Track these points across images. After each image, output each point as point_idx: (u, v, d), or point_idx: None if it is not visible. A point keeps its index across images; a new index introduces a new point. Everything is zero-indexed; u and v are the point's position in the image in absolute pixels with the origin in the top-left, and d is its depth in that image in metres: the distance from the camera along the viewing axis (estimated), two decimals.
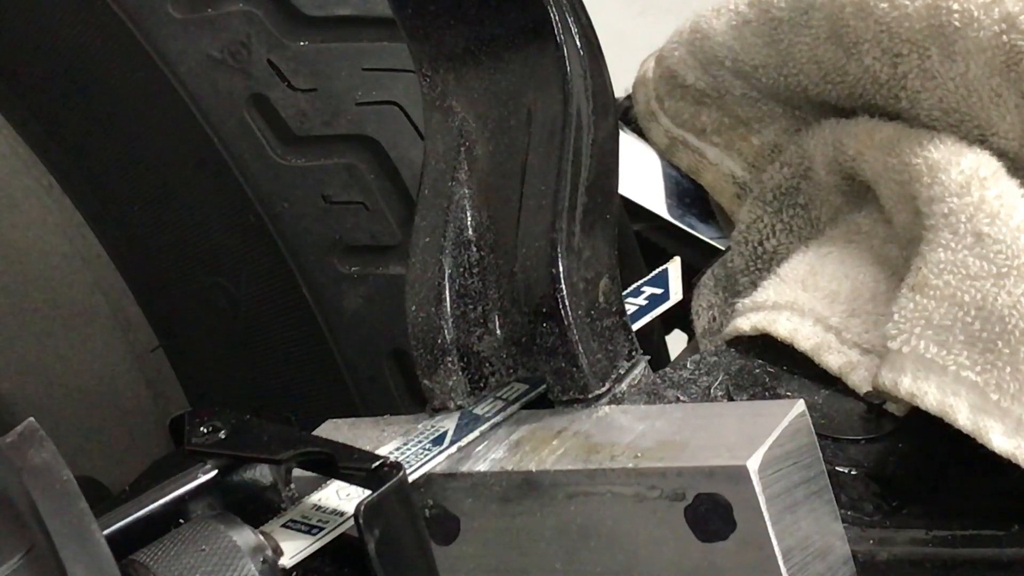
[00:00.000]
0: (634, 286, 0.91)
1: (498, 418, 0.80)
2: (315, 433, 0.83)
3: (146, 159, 1.08)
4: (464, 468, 0.77)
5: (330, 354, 1.05)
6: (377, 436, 0.82)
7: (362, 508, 0.67)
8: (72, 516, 0.61)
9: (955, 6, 0.85)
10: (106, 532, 0.66)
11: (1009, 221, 0.79)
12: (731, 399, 0.82)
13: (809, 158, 0.97)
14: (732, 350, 0.87)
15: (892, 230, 0.90)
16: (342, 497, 0.74)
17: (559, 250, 0.77)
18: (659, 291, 0.90)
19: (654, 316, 0.89)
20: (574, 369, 0.77)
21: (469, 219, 0.83)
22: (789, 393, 0.84)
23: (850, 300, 0.87)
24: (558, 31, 0.78)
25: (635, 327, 0.83)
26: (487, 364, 0.82)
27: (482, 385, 0.82)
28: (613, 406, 0.78)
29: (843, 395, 0.83)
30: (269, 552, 0.69)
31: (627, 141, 1.08)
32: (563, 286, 0.77)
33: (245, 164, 1.04)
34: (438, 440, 0.78)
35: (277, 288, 1.06)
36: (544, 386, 0.80)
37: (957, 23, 0.85)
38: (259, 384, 1.10)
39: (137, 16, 1.04)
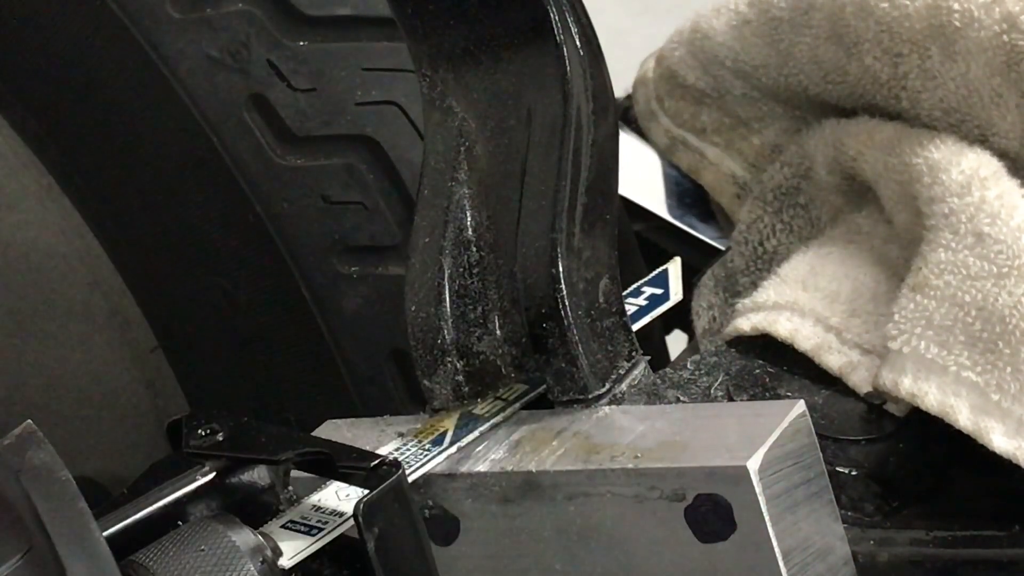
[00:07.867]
0: (634, 286, 0.90)
1: (498, 418, 0.80)
2: (314, 434, 0.83)
3: (145, 159, 1.07)
4: (464, 468, 0.76)
5: (330, 354, 1.05)
6: (377, 436, 0.82)
7: (361, 506, 0.67)
8: (72, 516, 0.61)
9: (955, 6, 0.85)
10: (105, 533, 0.66)
11: (1010, 221, 0.79)
12: (731, 399, 0.82)
13: (809, 158, 0.97)
14: (732, 350, 0.87)
15: (892, 230, 0.90)
16: (341, 498, 0.74)
17: (559, 250, 0.77)
18: (659, 291, 0.90)
19: (654, 316, 0.89)
20: (574, 369, 0.77)
21: (469, 219, 0.83)
22: (789, 393, 0.84)
23: (850, 300, 0.87)
24: (558, 31, 0.78)
25: (635, 327, 0.83)
26: (487, 364, 0.81)
27: (482, 385, 0.82)
28: (613, 406, 0.77)
29: (843, 395, 0.83)
30: (268, 552, 0.69)
31: (627, 141, 1.08)
32: (563, 286, 0.77)
33: (245, 164, 1.04)
34: (438, 440, 0.78)
35: (277, 288, 1.06)
36: (544, 386, 0.80)
37: (957, 23, 0.85)
38: (258, 384, 1.09)
39: (137, 16, 1.04)
